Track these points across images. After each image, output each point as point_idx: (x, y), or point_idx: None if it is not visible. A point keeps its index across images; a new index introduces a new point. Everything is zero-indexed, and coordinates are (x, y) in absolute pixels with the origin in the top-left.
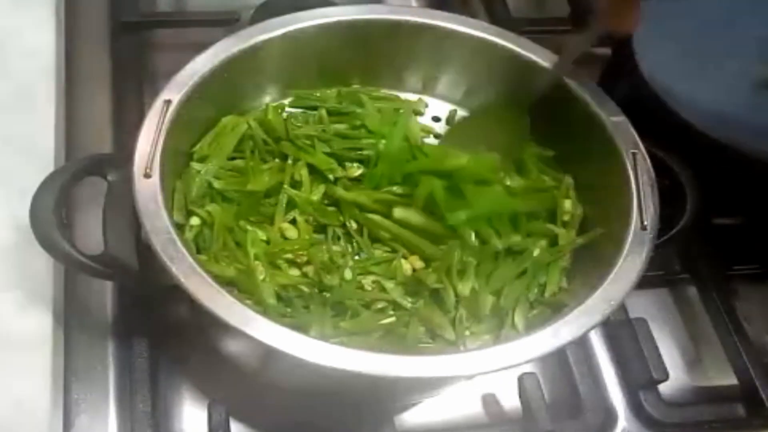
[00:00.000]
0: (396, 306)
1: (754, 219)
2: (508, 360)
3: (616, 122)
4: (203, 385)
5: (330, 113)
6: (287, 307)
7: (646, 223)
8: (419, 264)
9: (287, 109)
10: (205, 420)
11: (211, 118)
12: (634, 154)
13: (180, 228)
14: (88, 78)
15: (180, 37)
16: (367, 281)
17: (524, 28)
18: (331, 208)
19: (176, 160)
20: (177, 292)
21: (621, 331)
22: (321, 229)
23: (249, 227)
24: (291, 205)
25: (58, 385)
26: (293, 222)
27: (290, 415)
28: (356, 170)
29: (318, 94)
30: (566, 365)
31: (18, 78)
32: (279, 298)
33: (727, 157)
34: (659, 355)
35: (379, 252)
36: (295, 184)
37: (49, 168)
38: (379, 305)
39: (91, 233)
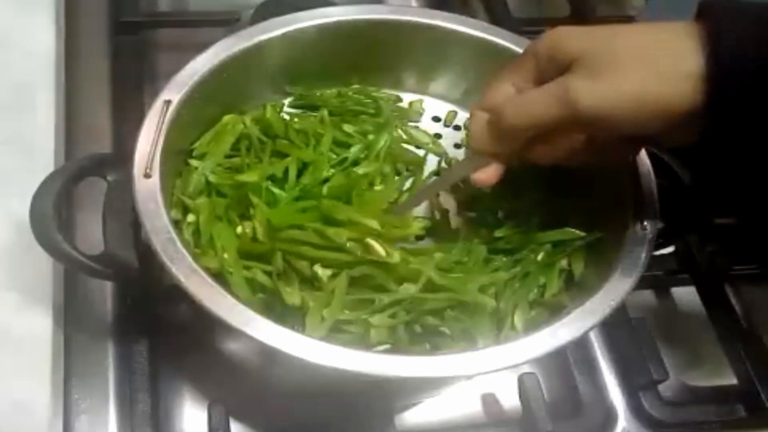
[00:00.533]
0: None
1: (754, 219)
2: (508, 360)
3: None
4: (203, 385)
5: (332, 114)
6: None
7: (646, 223)
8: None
9: (286, 108)
10: (205, 420)
11: (212, 117)
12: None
13: (177, 224)
14: (88, 78)
15: (180, 37)
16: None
17: (524, 28)
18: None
19: (176, 160)
20: (177, 292)
21: (621, 331)
22: None
23: (237, 221)
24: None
25: (58, 385)
26: None
27: (290, 415)
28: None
29: (318, 94)
30: (566, 365)
31: (18, 78)
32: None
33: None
34: (659, 355)
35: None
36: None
37: (49, 168)
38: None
39: (91, 233)
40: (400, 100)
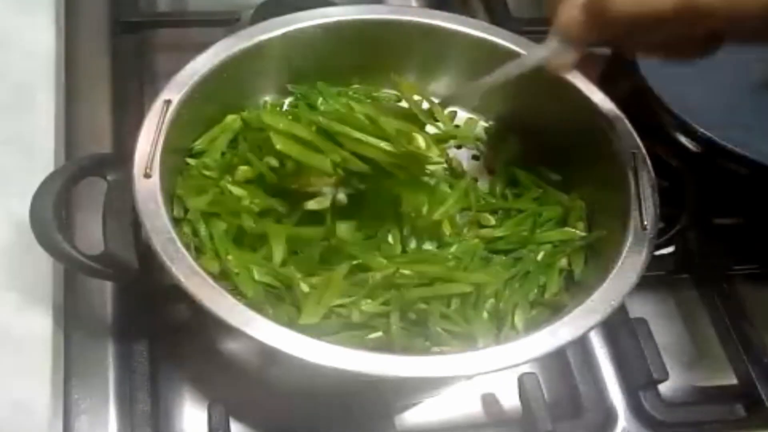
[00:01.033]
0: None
1: (754, 219)
2: (508, 360)
3: (616, 122)
4: (203, 385)
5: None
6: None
7: (646, 223)
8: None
9: (285, 108)
10: (205, 420)
11: (212, 117)
12: (634, 154)
13: (178, 223)
14: (88, 78)
15: (180, 37)
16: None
17: (524, 28)
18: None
19: (176, 160)
20: (177, 292)
21: (621, 331)
22: None
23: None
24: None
25: (58, 385)
26: None
27: (290, 416)
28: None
29: (318, 94)
30: (566, 365)
31: (18, 78)
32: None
33: (727, 157)
34: (659, 355)
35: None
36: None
37: (49, 168)
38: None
39: (91, 233)
40: (400, 99)
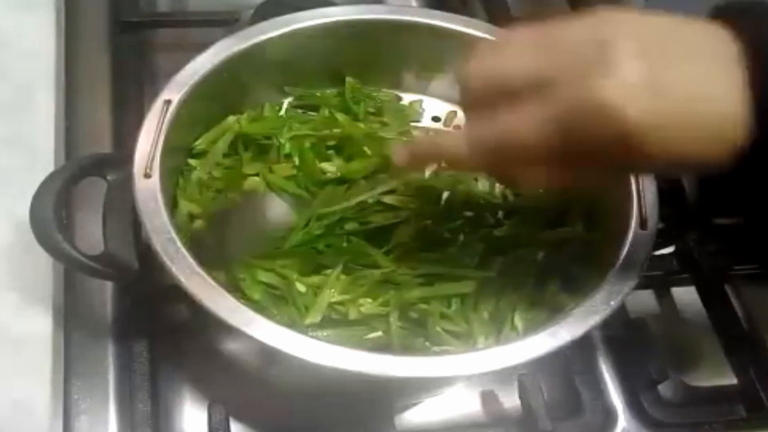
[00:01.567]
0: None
1: (754, 219)
2: (508, 360)
3: None
4: (203, 385)
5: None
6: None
7: (646, 223)
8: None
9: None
10: (205, 420)
11: (212, 117)
12: None
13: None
14: (88, 78)
15: (180, 37)
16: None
17: None
18: None
19: (176, 160)
20: (177, 292)
21: (621, 331)
22: None
23: None
24: None
25: (58, 385)
26: None
27: (290, 416)
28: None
29: (318, 94)
30: (566, 365)
31: (18, 78)
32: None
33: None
34: (659, 355)
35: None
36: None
37: (49, 168)
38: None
39: (91, 233)
40: (399, 99)
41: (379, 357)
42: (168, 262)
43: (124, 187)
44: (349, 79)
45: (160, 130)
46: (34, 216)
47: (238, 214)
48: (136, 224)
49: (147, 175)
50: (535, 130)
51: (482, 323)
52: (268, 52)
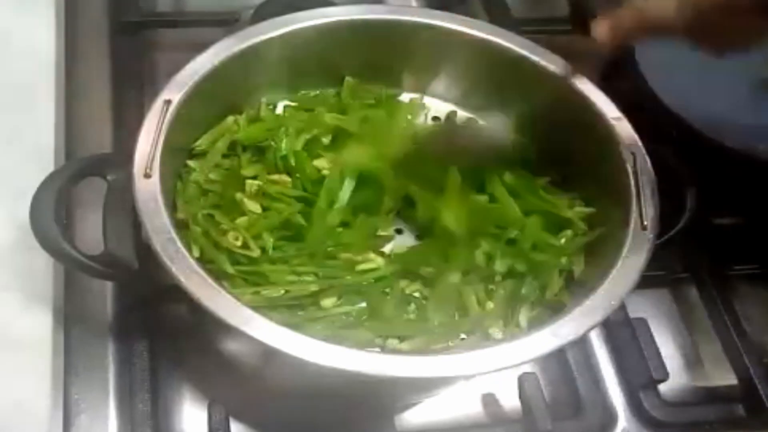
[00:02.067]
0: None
1: (754, 219)
2: (508, 360)
3: (616, 122)
4: (203, 385)
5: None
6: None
7: (646, 223)
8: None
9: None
10: (205, 420)
11: (212, 117)
12: (634, 154)
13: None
14: (88, 78)
15: (180, 37)
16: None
17: (524, 28)
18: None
19: (176, 160)
20: (177, 292)
21: (621, 331)
22: None
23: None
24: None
25: (58, 385)
26: None
27: (290, 415)
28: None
29: (318, 94)
30: (566, 365)
31: (18, 78)
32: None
33: (727, 157)
34: (659, 355)
35: None
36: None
37: (49, 168)
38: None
39: (91, 233)
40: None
41: (379, 357)
42: (168, 262)
43: (124, 187)
44: (348, 79)
45: (160, 131)
46: (34, 216)
47: None
48: (136, 224)
49: (147, 176)
50: None
51: (493, 309)
52: (268, 52)
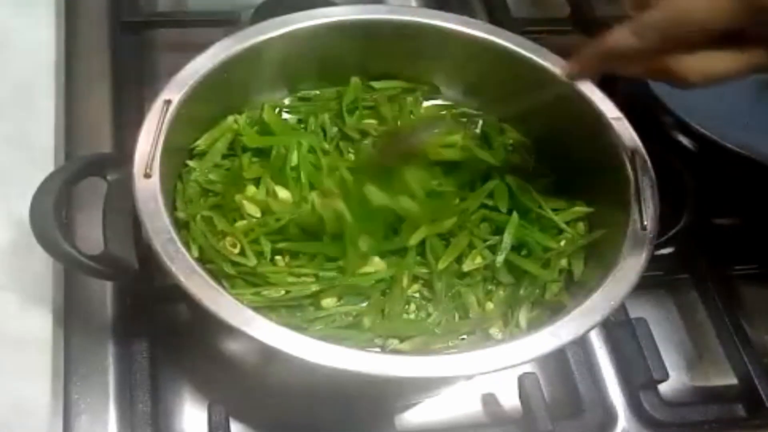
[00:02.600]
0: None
1: (754, 219)
2: (508, 360)
3: (616, 122)
4: (203, 385)
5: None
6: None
7: (646, 223)
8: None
9: (285, 109)
10: (205, 420)
11: (212, 117)
12: (634, 154)
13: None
14: (88, 78)
15: (180, 37)
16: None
17: (524, 28)
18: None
19: (176, 160)
20: (177, 292)
21: (621, 331)
22: None
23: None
24: None
25: (58, 385)
26: None
27: (290, 416)
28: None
29: (318, 94)
30: (566, 365)
31: (18, 77)
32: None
33: (727, 157)
34: (659, 355)
35: None
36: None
37: (49, 168)
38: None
39: (91, 233)
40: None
41: (379, 357)
42: (168, 262)
43: (124, 187)
44: (354, 79)
45: (160, 130)
46: (34, 216)
47: None
48: (136, 224)
49: (147, 175)
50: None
51: (494, 309)
52: (268, 52)
